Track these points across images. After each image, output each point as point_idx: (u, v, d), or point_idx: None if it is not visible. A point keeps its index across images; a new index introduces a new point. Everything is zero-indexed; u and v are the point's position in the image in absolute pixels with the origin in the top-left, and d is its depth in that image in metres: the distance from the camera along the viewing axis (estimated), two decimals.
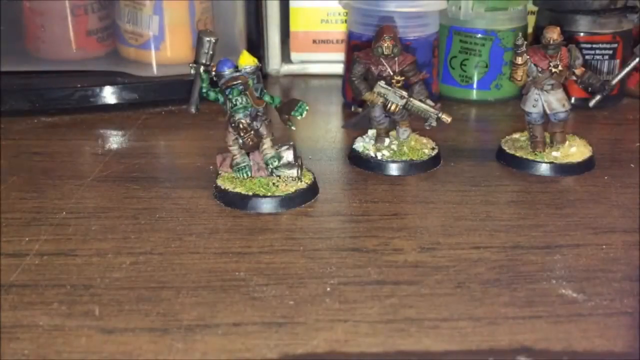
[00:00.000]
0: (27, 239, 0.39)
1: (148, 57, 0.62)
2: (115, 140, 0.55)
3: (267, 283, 0.35)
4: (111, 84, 0.60)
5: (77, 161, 0.51)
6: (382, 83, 0.47)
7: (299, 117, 0.42)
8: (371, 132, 0.50)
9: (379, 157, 0.48)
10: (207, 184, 0.46)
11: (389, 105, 0.47)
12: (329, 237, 0.39)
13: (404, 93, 0.47)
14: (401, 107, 0.47)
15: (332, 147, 0.53)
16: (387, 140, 0.49)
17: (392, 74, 0.47)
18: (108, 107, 0.60)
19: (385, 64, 0.47)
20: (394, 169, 0.48)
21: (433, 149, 0.49)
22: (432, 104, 0.47)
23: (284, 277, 0.35)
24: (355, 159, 0.49)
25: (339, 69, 0.68)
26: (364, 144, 0.49)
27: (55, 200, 0.44)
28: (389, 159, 0.48)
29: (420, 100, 0.47)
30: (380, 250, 0.38)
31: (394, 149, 0.49)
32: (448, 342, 0.30)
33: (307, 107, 0.42)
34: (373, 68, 0.47)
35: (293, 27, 0.71)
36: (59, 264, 0.36)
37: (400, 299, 0.33)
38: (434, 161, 0.48)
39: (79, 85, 0.59)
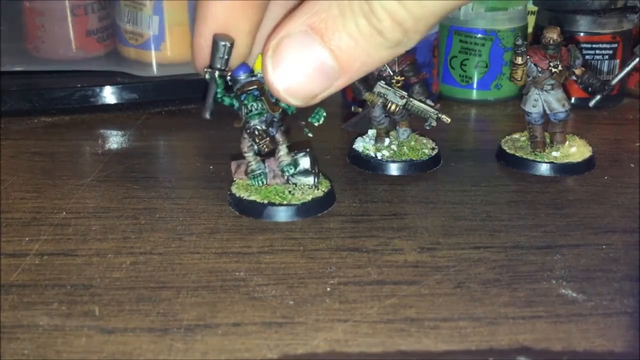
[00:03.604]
0: (27, 239, 0.39)
1: (148, 57, 0.62)
2: (115, 140, 0.55)
3: (267, 283, 0.35)
4: (111, 84, 0.60)
5: (77, 161, 0.51)
6: (382, 83, 0.47)
7: (315, 124, 0.41)
8: (371, 132, 0.50)
9: (379, 157, 0.48)
10: (207, 184, 0.46)
11: (389, 105, 0.47)
12: (329, 237, 0.39)
13: (404, 93, 0.47)
14: (401, 107, 0.47)
15: (332, 147, 0.53)
16: (387, 140, 0.49)
17: (392, 74, 0.47)
18: (108, 107, 0.60)
19: (385, 64, 0.47)
20: (394, 169, 0.48)
21: (433, 149, 0.49)
22: (432, 104, 0.47)
23: (284, 277, 0.35)
24: (355, 159, 0.49)
25: None
26: (364, 144, 0.49)
27: (55, 200, 0.44)
28: (389, 159, 0.48)
29: (420, 101, 0.47)
30: (380, 250, 0.38)
31: (394, 149, 0.49)
32: (448, 342, 0.30)
33: (324, 114, 0.41)
34: None
35: None
36: (59, 264, 0.36)
37: (400, 299, 0.33)
38: (434, 161, 0.48)
39: (79, 85, 0.59)
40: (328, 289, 0.34)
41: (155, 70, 0.62)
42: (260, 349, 0.30)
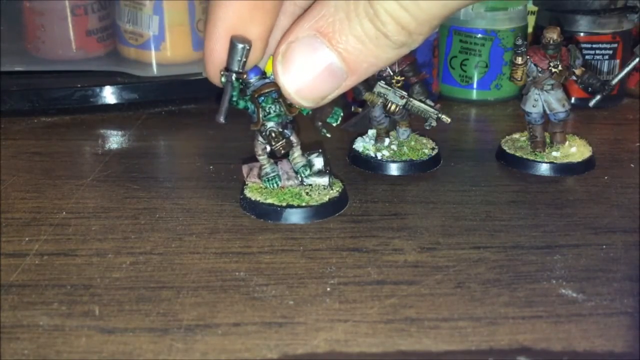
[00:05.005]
0: (27, 239, 0.39)
1: (148, 57, 0.62)
2: (115, 140, 0.55)
3: (267, 283, 0.35)
4: (111, 84, 0.60)
5: (77, 161, 0.51)
6: (382, 83, 0.47)
7: (334, 124, 0.41)
8: (371, 132, 0.50)
9: (379, 157, 0.48)
10: (207, 184, 0.46)
11: (389, 105, 0.47)
12: (329, 237, 0.39)
13: (404, 93, 0.47)
14: (401, 107, 0.47)
15: (332, 147, 0.53)
16: (387, 140, 0.49)
17: (392, 74, 0.47)
18: (108, 107, 0.60)
19: None
20: (394, 169, 0.48)
21: (433, 149, 0.49)
22: (432, 104, 0.47)
23: (284, 277, 0.35)
24: (355, 159, 0.49)
25: None
26: (364, 144, 0.49)
27: (55, 200, 0.44)
28: (389, 159, 0.48)
29: (420, 101, 0.47)
30: (380, 250, 0.38)
31: (394, 149, 0.49)
32: (448, 342, 0.30)
33: (341, 113, 0.41)
34: None
35: None
36: (59, 264, 0.36)
37: (400, 299, 0.33)
38: (434, 161, 0.48)
39: (79, 85, 0.59)
40: (328, 289, 0.34)
41: (155, 70, 0.62)
42: (260, 349, 0.30)
